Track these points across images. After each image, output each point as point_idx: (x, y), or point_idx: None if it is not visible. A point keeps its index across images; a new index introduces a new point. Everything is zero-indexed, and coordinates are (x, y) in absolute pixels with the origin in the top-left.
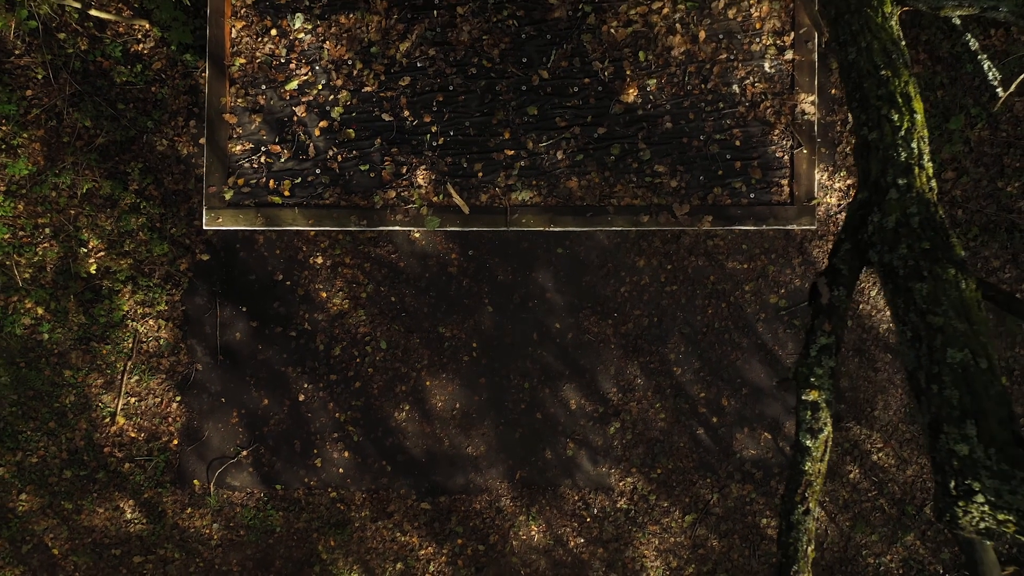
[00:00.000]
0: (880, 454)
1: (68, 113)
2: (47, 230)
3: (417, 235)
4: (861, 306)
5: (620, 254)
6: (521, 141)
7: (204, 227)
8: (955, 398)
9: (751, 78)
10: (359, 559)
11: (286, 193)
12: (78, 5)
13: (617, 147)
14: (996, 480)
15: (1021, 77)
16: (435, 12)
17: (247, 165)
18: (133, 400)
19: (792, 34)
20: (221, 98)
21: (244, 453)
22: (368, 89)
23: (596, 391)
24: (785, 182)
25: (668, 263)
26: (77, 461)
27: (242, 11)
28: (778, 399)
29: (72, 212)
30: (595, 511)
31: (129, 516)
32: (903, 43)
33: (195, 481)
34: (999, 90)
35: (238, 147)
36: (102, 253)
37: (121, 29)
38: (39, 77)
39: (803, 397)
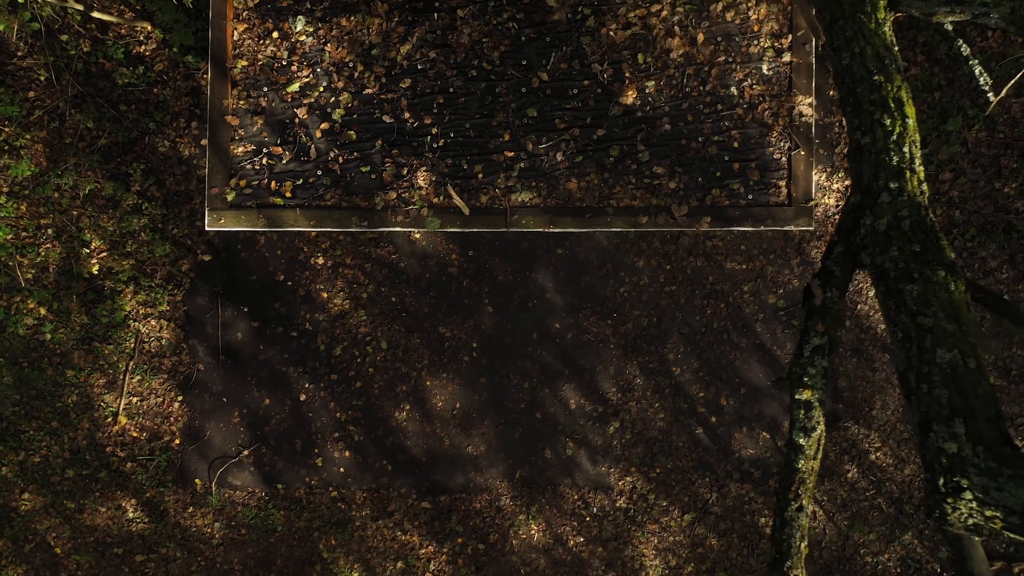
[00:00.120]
0: (878, 453)
1: (70, 114)
2: (50, 231)
3: (417, 236)
4: (859, 306)
5: (619, 255)
6: (521, 143)
7: (206, 228)
8: (944, 397)
9: (749, 80)
10: (360, 558)
11: (288, 194)
12: (80, 7)
13: (616, 149)
14: (984, 477)
15: (1012, 82)
16: (435, 15)
17: (249, 167)
18: (135, 400)
19: (790, 36)
20: (223, 100)
21: (245, 452)
22: (369, 91)
23: (595, 391)
24: (783, 183)
25: (667, 263)
26: (79, 460)
27: (244, 14)
28: (776, 399)
29: (74, 213)
30: (594, 510)
31: (131, 515)
32: (896, 48)
33: (197, 480)
34: (990, 95)
35: (240, 149)
36: (104, 254)
37: (123, 31)
38: (42, 79)
39: (797, 396)
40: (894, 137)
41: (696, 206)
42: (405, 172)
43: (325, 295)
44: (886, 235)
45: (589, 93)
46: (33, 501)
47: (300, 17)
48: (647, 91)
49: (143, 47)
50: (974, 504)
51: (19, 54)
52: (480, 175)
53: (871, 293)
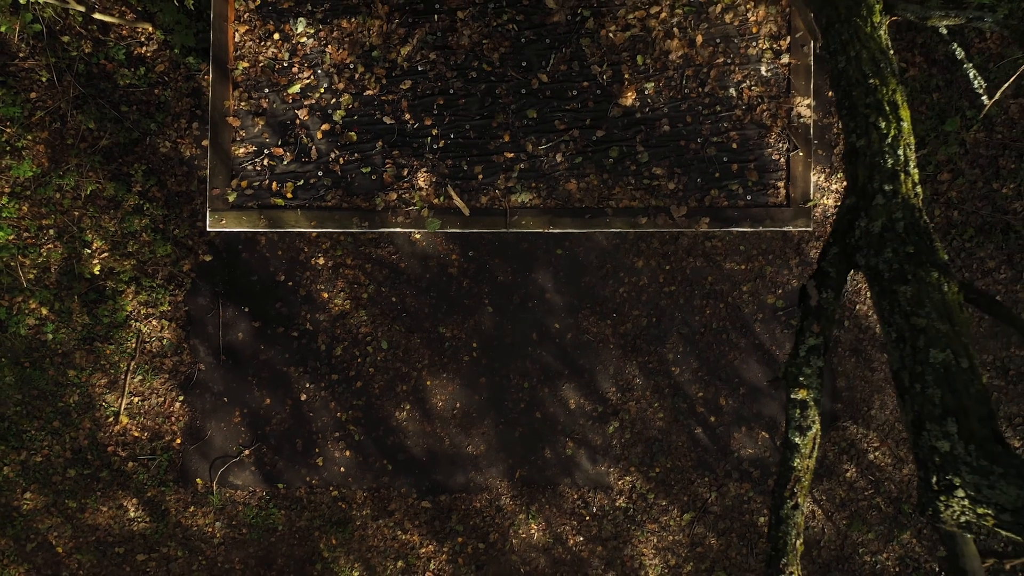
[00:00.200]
0: (876, 453)
1: (72, 115)
2: (51, 231)
3: (418, 236)
4: (858, 307)
5: (619, 255)
6: (521, 144)
7: (208, 229)
8: (937, 397)
9: (748, 82)
10: (360, 557)
11: (289, 195)
12: (82, 8)
13: (615, 150)
14: (976, 475)
15: (1005, 86)
16: (436, 17)
17: (250, 168)
18: (136, 400)
19: (788, 38)
20: (224, 101)
21: (246, 452)
22: (370, 92)
23: (595, 391)
24: (781, 184)
25: (666, 264)
26: (81, 460)
27: (245, 16)
28: (775, 399)
29: (76, 213)
30: (594, 509)
31: (132, 514)
32: (891, 52)
33: (198, 480)
34: (984, 98)
35: (241, 150)
36: (106, 254)
37: (124, 32)
38: (43, 80)
39: (792, 396)
40: (889, 140)
41: (695, 207)
42: (405, 173)
43: (326, 295)
44: (880, 237)
45: (588, 94)
46: (35, 500)
47: (301, 19)
48: (646, 92)
49: (144, 48)
50: (966, 502)
51: (21, 55)
52: (480, 176)
53: (869, 293)
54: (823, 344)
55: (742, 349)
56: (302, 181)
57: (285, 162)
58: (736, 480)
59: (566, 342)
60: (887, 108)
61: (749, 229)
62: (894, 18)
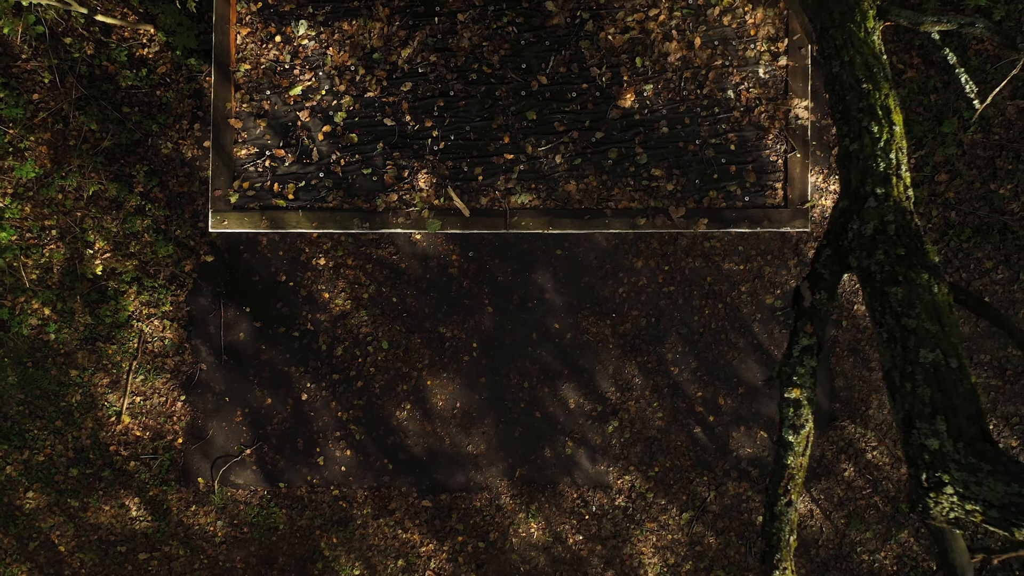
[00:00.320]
0: (874, 452)
1: (74, 116)
2: (54, 232)
3: (418, 237)
4: (856, 307)
5: (618, 255)
6: (520, 145)
7: (210, 230)
8: (927, 396)
9: (746, 83)
10: (361, 556)
11: (290, 196)
12: (84, 10)
13: (615, 151)
14: (964, 472)
15: (996, 90)
16: (436, 19)
17: (252, 169)
18: (138, 399)
19: (786, 40)
20: (226, 103)
21: (248, 451)
22: (370, 94)
23: (594, 390)
24: (779, 185)
25: (665, 264)
26: (83, 459)
27: (247, 18)
28: (774, 398)
29: (78, 214)
30: (594, 509)
31: (134, 513)
32: (885, 57)
33: (199, 479)
34: (976, 102)
35: (243, 151)
36: (108, 254)
37: (126, 34)
38: (46, 81)
39: (786, 395)
40: (881, 144)
41: (693, 208)
42: (406, 174)
43: (327, 295)
44: (872, 239)
45: (588, 96)
46: (37, 500)
47: (302, 21)
48: (645, 94)
49: (146, 50)
50: (955, 498)
51: (24, 57)
52: (480, 177)
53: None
54: (816, 344)
55: (741, 349)
56: (303, 182)
57: (287, 163)
58: (735, 479)
59: (566, 342)
60: (880, 112)
61: (747, 230)
62: (888, 23)
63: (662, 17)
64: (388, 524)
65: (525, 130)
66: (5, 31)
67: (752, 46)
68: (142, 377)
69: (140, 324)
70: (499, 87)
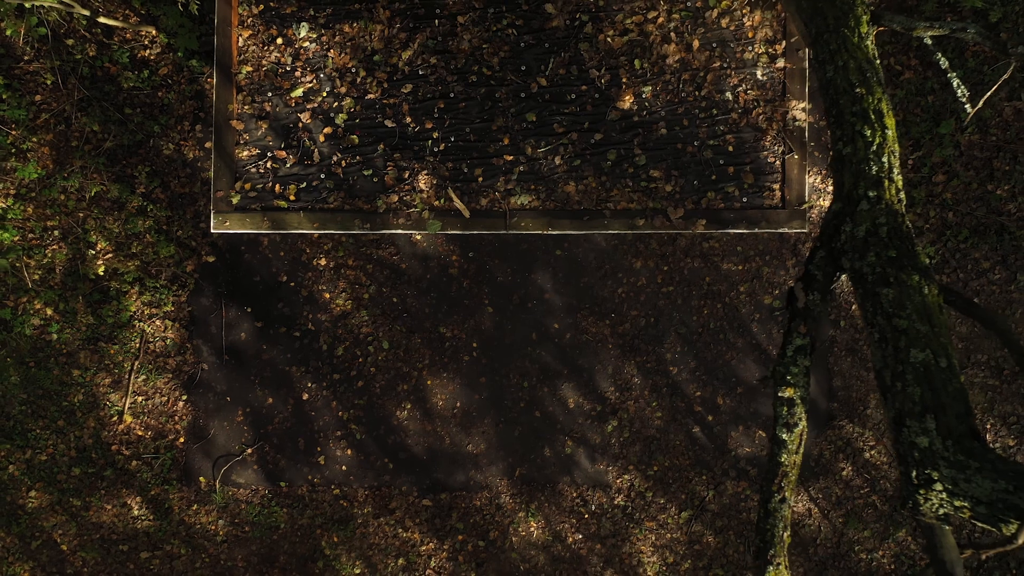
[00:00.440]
0: (872, 452)
1: (76, 118)
2: (56, 232)
3: (419, 238)
4: (854, 307)
5: (617, 256)
6: (520, 147)
7: (212, 230)
8: (917, 395)
9: (744, 85)
10: (362, 555)
11: (291, 197)
12: (86, 12)
13: (613, 152)
14: (953, 470)
15: (987, 94)
16: (436, 21)
17: (253, 170)
18: (140, 399)
19: (784, 43)
20: (228, 105)
21: (249, 451)
22: (371, 96)
23: (594, 390)
24: (777, 186)
25: (664, 264)
26: (85, 459)
27: (248, 20)
28: (771, 397)
29: (80, 215)
30: (593, 508)
31: (136, 513)
32: (878, 62)
33: (201, 478)
34: (967, 106)
35: (245, 153)
36: (110, 255)
37: (128, 35)
38: (48, 82)
39: (780, 394)
40: (874, 148)
41: (692, 209)
42: (407, 175)
43: (327, 296)
44: (864, 241)
45: (587, 98)
46: (40, 499)
47: (304, 24)
48: (644, 96)
49: (148, 51)
50: (944, 495)
51: (26, 58)
52: (480, 178)
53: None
54: (810, 344)
55: (739, 349)
56: (305, 183)
57: (288, 165)
58: (733, 478)
59: (565, 342)
60: (872, 117)
61: (745, 231)
62: (881, 28)
63: (661, 19)
64: (389, 523)
65: (525, 131)
66: (8, 33)
67: (750, 48)
68: (144, 377)
69: (142, 324)
70: (499, 89)
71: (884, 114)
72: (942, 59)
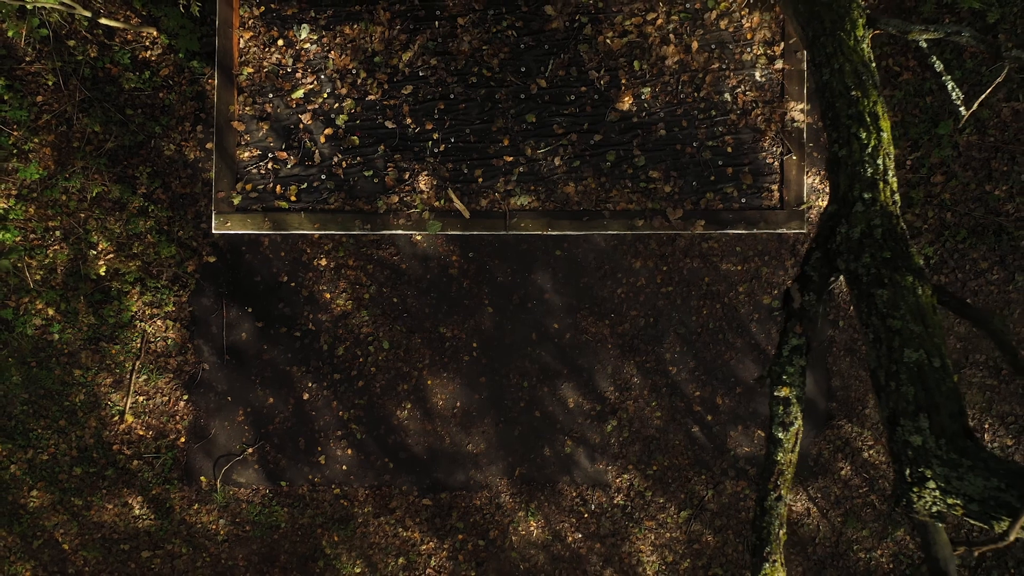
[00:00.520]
0: (871, 451)
1: (78, 118)
2: (57, 233)
3: (419, 238)
4: (852, 307)
5: (617, 256)
6: (520, 148)
7: (213, 231)
8: (910, 394)
9: (742, 87)
10: (362, 554)
11: (292, 198)
12: (88, 14)
13: (613, 153)
14: (946, 468)
15: (980, 98)
16: (436, 23)
17: (255, 171)
18: (141, 399)
19: (782, 44)
20: (229, 106)
21: (250, 450)
22: (372, 97)
23: (593, 390)
24: (775, 187)
25: (664, 265)
26: (86, 458)
27: (250, 22)
28: (769, 397)
29: (82, 215)
30: (592, 507)
31: (137, 512)
32: (873, 65)
33: (202, 478)
34: (962, 109)
35: (246, 154)
36: (111, 255)
37: (129, 37)
38: (49, 83)
39: (776, 393)
40: (869, 150)
41: (691, 209)
42: (407, 176)
43: (328, 296)
44: (859, 242)
45: (586, 99)
46: (41, 498)
47: (304, 25)
48: (643, 97)
49: (149, 52)
50: (937, 493)
51: (28, 59)
52: (480, 179)
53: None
54: (806, 344)
55: (738, 349)
56: (305, 184)
57: (289, 166)
58: (732, 478)
59: (565, 342)
60: (868, 119)
61: (744, 231)
62: (877, 31)
63: (660, 21)
64: (389, 522)
65: (524, 133)
66: (10, 34)
67: (749, 50)
68: (145, 377)
69: (143, 324)
70: (499, 90)
71: (879, 117)
72: (937, 62)
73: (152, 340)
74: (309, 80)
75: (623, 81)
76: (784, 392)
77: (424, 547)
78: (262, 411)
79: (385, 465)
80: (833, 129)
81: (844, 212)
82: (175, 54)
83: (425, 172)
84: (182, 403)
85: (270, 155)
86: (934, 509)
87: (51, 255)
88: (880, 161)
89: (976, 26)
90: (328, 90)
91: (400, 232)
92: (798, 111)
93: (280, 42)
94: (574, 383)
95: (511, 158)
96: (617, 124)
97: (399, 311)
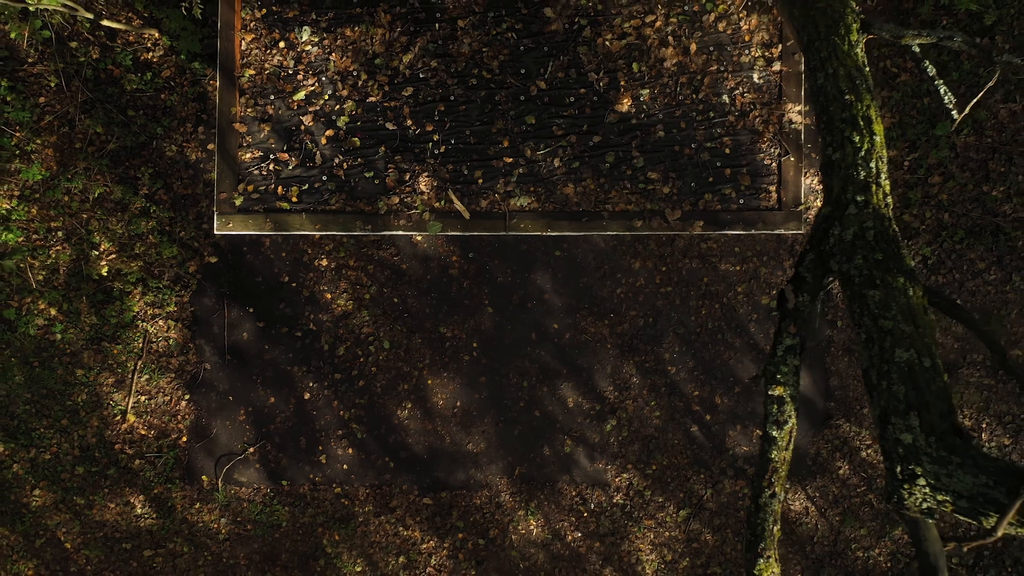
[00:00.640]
0: (869, 450)
1: (80, 120)
2: (60, 233)
3: (419, 239)
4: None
5: (616, 257)
6: (520, 149)
7: (215, 232)
8: (901, 393)
9: (740, 88)
10: (363, 553)
11: (294, 199)
12: (90, 15)
13: (612, 155)
14: (936, 465)
15: (973, 101)
16: (437, 25)
17: (256, 172)
18: (143, 398)
19: (780, 46)
20: (231, 108)
21: (251, 450)
22: (372, 99)
23: (593, 389)
24: (773, 188)
25: (663, 265)
26: (89, 458)
27: (251, 24)
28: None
29: (84, 216)
30: (592, 506)
31: (139, 511)
32: (867, 69)
33: (203, 477)
34: (954, 113)
35: (248, 155)
36: (113, 256)
37: (131, 38)
38: (52, 85)
39: (770, 392)
40: (862, 153)
41: (689, 210)
42: (407, 177)
43: (329, 296)
44: (852, 244)
45: (586, 101)
46: (44, 497)
47: (306, 27)
48: (642, 99)
49: (151, 54)
50: (927, 489)
51: (30, 61)
52: (480, 180)
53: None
54: (800, 344)
55: (737, 348)
56: (307, 185)
57: (290, 167)
58: (731, 477)
59: (564, 342)
60: (861, 123)
61: (742, 232)
62: (871, 36)
63: (658, 23)
64: (389, 521)
65: (524, 134)
66: (12, 35)
67: (747, 52)
68: (147, 376)
69: (145, 324)
70: (499, 92)
71: (872, 120)
72: (929, 66)
73: (154, 340)
74: (310, 82)
75: (622, 83)
76: (778, 391)
77: (424, 546)
78: (263, 411)
79: (386, 464)
80: (827, 132)
81: (837, 214)
82: (177, 56)
83: (425, 173)
84: (184, 403)
85: (271, 156)
86: (924, 505)
87: (53, 255)
88: (873, 164)
89: (973, 27)
90: (329, 92)
91: (401, 233)
92: (796, 113)
93: (281, 44)
94: (573, 383)
95: (511, 159)
96: (616, 126)
97: (400, 311)
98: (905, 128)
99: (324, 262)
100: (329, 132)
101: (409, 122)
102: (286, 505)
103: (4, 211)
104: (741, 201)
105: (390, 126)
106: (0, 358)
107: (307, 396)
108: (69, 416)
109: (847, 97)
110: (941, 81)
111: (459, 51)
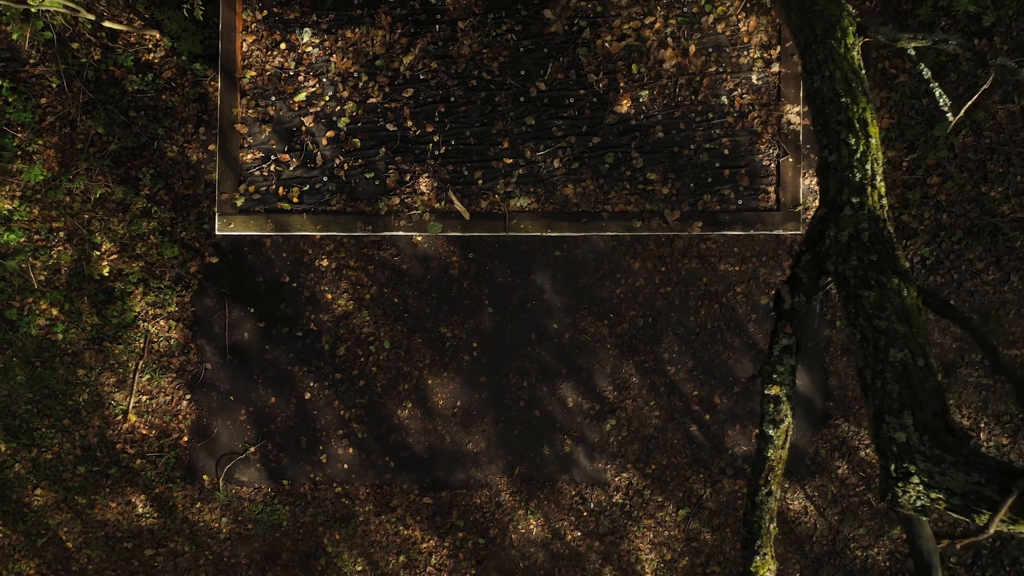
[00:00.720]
0: (867, 450)
1: (82, 120)
2: (61, 234)
3: (420, 239)
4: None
5: (616, 257)
6: (519, 150)
7: (216, 232)
8: (895, 392)
9: (739, 90)
10: (363, 552)
11: (295, 200)
12: (91, 16)
13: (611, 156)
14: (929, 463)
15: (968, 104)
16: (437, 27)
17: (257, 173)
18: (144, 398)
19: (778, 48)
20: (232, 109)
21: (252, 449)
22: (373, 100)
23: (592, 389)
24: (772, 189)
25: (662, 265)
26: (90, 457)
27: (252, 26)
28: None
29: (86, 216)
30: (592, 505)
31: (140, 510)
32: (863, 72)
33: (204, 476)
34: (949, 115)
35: (249, 156)
36: (115, 256)
37: (132, 39)
38: (53, 85)
39: (766, 392)
40: (858, 155)
41: (688, 211)
42: (408, 178)
43: (329, 296)
44: (848, 245)
45: (585, 102)
46: (45, 497)
47: (307, 29)
48: (641, 100)
49: (152, 55)
50: (921, 487)
51: (32, 62)
52: (480, 181)
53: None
54: (796, 344)
55: (736, 348)
56: (308, 186)
57: (291, 168)
58: (730, 477)
59: (564, 342)
60: (857, 125)
61: (741, 232)
62: (867, 39)
63: (658, 25)
64: (390, 521)
65: (524, 135)
66: (14, 37)
67: (745, 53)
68: (148, 376)
69: (146, 324)
70: (498, 93)
71: (868, 123)
72: (925, 69)
73: (155, 340)
74: (311, 83)
75: (621, 84)
76: (774, 390)
77: (425, 545)
78: (264, 410)
79: (386, 464)
80: (823, 135)
81: (833, 216)
82: (178, 57)
83: (426, 174)
84: (185, 402)
85: (272, 157)
86: (918, 503)
87: (55, 256)
88: (868, 166)
89: (972, 29)
90: (330, 93)
91: (401, 233)
92: (794, 114)
93: (283, 46)
94: (573, 383)
95: (511, 160)
96: (615, 127)
97: (400, 311)
98: (904, 129)
99: (325, 262)
100: (330, 133)
101: (409, 123)
102: (287, 504)
103: (6, 212)
104: (740, 202)
105: (391, 127)
106: (2, 358)
107: (308, 396)
108: (71, 416)
109: (843, 100)
110: (936, 83)
111: (459, 52)
